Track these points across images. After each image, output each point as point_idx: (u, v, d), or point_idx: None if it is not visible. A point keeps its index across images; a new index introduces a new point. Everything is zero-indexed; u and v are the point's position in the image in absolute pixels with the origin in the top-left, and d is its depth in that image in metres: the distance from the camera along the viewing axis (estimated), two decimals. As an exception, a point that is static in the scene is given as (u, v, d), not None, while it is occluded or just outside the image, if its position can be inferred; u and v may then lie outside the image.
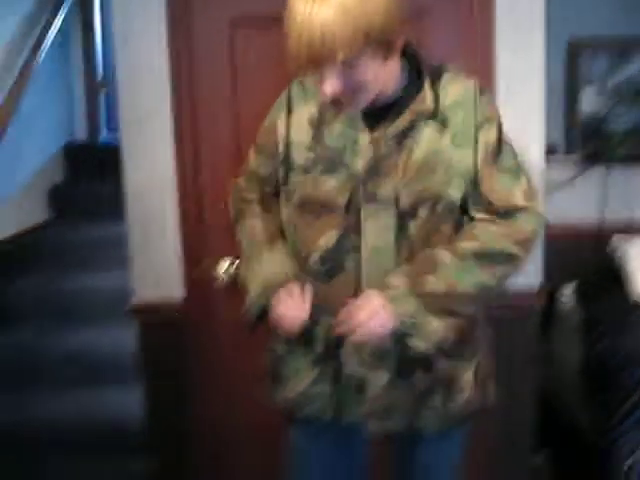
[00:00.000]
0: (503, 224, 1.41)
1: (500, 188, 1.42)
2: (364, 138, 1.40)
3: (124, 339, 2.58)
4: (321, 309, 1.44)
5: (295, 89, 1.51)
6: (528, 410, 2.21)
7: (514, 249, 1.41)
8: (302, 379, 1.52)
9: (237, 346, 2.15)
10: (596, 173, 3.12)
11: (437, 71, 1.45)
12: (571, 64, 3.12)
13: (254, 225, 1.56)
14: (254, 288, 1.50)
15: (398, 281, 1.38)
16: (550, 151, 2.85)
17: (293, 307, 1.44)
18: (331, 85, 1.29)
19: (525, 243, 1.43)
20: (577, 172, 3.12)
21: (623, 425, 2.19)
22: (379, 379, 1.46)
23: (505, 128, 1.49)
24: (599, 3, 3.02)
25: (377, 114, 1.41)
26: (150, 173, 2.09)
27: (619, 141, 3.11)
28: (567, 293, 3.00)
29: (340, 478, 1.68)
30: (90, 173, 3.91)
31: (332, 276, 1.45)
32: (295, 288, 1.45)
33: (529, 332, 2.18)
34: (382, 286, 1.39)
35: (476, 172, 1.41)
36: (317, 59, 1.25)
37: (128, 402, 2.63)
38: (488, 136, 1.42)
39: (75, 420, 2.81)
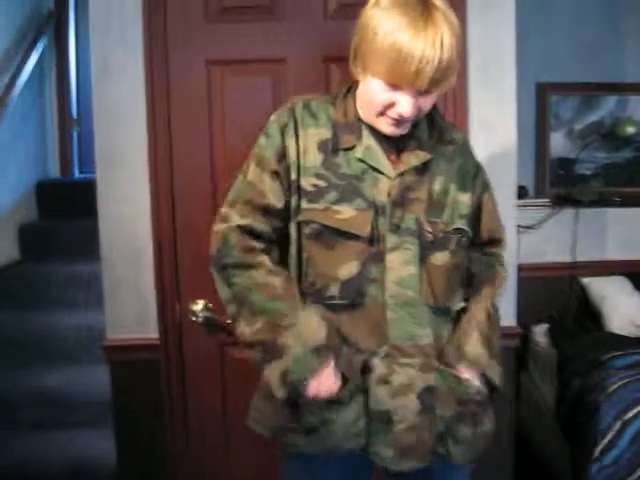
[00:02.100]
0: (493, 281, 1.56)
1: (496, 224, 1.58)
2: (388, 168, 1.40)
3: (98, 378, 2.52)
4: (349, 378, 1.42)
5: (300, 111, 1.44)
6: (504, 449, 2.20)
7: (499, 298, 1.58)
8: (338, 422, 1.41)
9: (212, 388, 2.12)
10: (566, 215, 3.19)
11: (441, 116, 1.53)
12: (541, 108, 3.20)
13: (272, 283, 1.39)
14: (296, 352, 1.34)
15: (476, 349, 1.47)
16: (521, 194, 2.92)
17: (331, 376, 1.38)
18: (413, 106, 1.32)
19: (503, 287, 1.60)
20: (547, 214, 3.18)
21: (597, 465, 2.19)
22: (408, 410, 1.40)
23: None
24: (569, 49, 3.12)
25: (392, 143, 1.42)
26: (125, 212, 2.08)
27: (588, 184, 3.18)
28: (540, 332, 3.03)
29: None
30: (62, 211, 3.87)
31: (353, 308, 1.40)
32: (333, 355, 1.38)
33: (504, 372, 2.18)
34: (414, 331, 1.42)
35: (474, 212, 1.51)
36: (428, 80, 1.27)
37: (101, 444, 2.58)
38: (482, 179, 1.54)
39: (46, 462, 2.73)
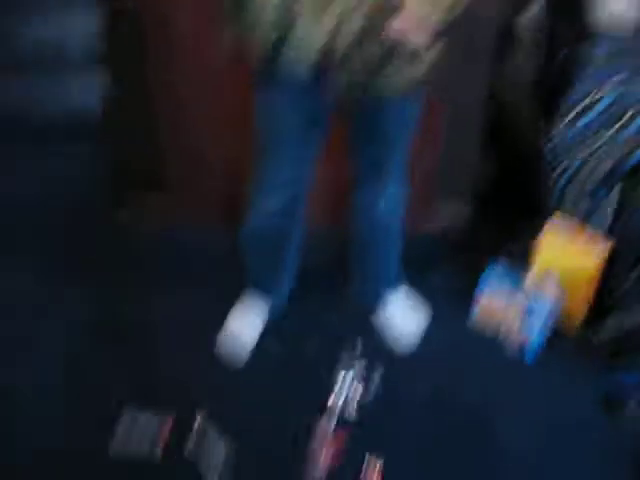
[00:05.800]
0: None
1: None
2: None
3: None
4: None
5: None
6: (479, 102, 2.33)
7: None
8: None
9: (200, 35, 2.10)
10: None
11: None
12: None
13: None
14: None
15: None
16: None
17: None
18: None
19: None
20: None
21: (562, 129, 2.31)
22: (353, 23, 1.46)
23: None
24: None
25: None
26: None
27: None
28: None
29: (307, 136, 1.80)
30: None
31: None
32: None
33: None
34: None
35: None
36: None
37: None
38: None
39: (43, 105, 2.84)
